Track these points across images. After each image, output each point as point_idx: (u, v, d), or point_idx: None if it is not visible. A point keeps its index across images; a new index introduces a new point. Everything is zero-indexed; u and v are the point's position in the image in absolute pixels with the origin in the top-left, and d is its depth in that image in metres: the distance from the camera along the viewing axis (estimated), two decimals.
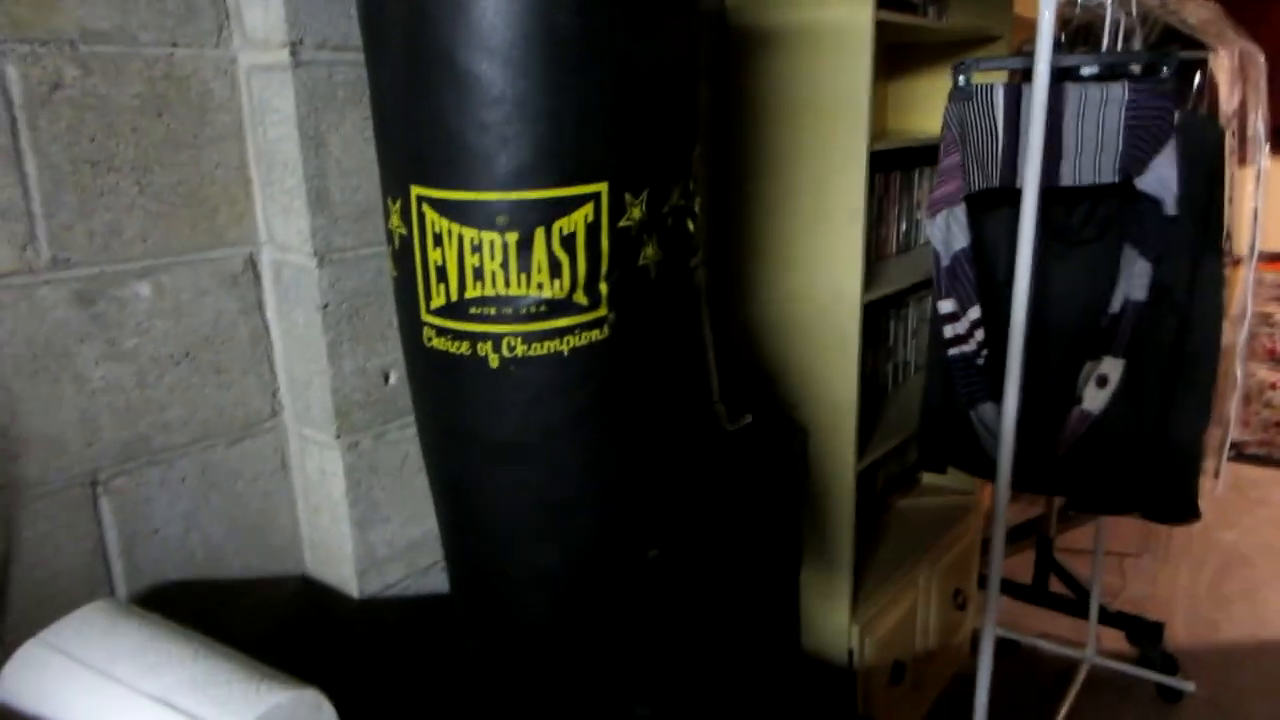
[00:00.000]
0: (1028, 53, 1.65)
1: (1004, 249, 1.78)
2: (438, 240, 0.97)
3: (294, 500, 1.33)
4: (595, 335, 0.99)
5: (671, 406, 1.11)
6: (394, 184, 1.01)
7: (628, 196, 0.97)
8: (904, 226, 2.38)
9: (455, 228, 0.96)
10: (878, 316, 2.30)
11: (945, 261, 1.62)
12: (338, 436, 1.23)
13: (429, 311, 1.01)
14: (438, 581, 1.40)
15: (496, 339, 0.98)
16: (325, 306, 1.18)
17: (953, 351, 1.70)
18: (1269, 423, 3.90)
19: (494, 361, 0.99)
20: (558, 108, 0.92)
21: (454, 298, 0.98)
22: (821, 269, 1.85)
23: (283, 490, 1.31)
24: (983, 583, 2.75)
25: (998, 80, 1.61)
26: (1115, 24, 1.88)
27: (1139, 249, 1.52)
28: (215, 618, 1.25)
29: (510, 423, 1.02)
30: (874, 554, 2.30)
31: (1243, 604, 2.91)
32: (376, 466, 1.29)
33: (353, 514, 1.27)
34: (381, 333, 1.26)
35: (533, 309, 0.96)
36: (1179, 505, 1.73)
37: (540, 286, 0.96)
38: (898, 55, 2.49)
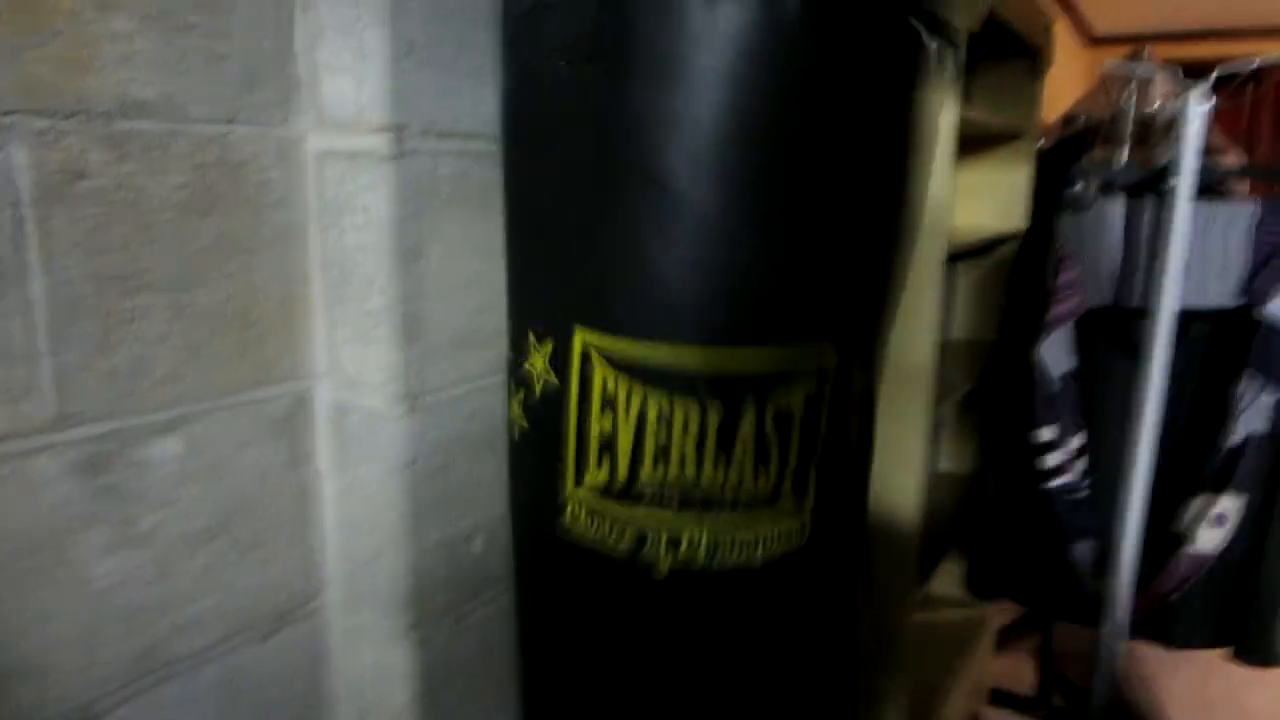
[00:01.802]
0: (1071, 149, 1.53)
1: (1097, 373, 1.64)
2: (609, 403, 0.72)
3: (334, 705, 1.02)
4: (792, 541, 0.75)
5: (845, 608, 0.87)
6: (545, 319, 0.75)
7: (856, 366, 0.75)
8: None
9: (639, 389, 0.71)
10: None
11: (1053, 385, 1.46)
12: (414, 626, 0.94)
13: (580, 485, 0.75)
14: None
15: (672, 538, 0.73)
16: (413, 463, 0.90)
17: (1051, 483, 1.54)
18: None
19: (663, 566, 0.73)
20: (794, 249, 0.70)
21: (621, 477, 0.73)
22: (891, 370, 1.67)
23: (320, 694, 1.00)
24: (994, 699, 2.59)
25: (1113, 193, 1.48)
26: (1156, 129, 1.81)
27: (1265, 379, 1.40)
28: None
29: (670, 649, 0.77)
30: (903, 685, 2.10)
31: (1226, 708, 2.85)
32: (454, 662, 1.00)
33: None
34: (471, 490, 0.98)
35: (729, 504, 0.72)
36: (1273, 646, 1.60)
37: (741, 475, 0.72)
38: None
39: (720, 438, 0.71)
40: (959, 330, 2.38)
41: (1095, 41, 3.95)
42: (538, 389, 0.77)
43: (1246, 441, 1.43)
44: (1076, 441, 1.50)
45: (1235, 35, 3.94)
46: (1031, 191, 1.94)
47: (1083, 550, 1.56)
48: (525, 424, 0.80)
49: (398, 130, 0.83)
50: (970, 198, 2.29)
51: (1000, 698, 2.67)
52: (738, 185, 0.67)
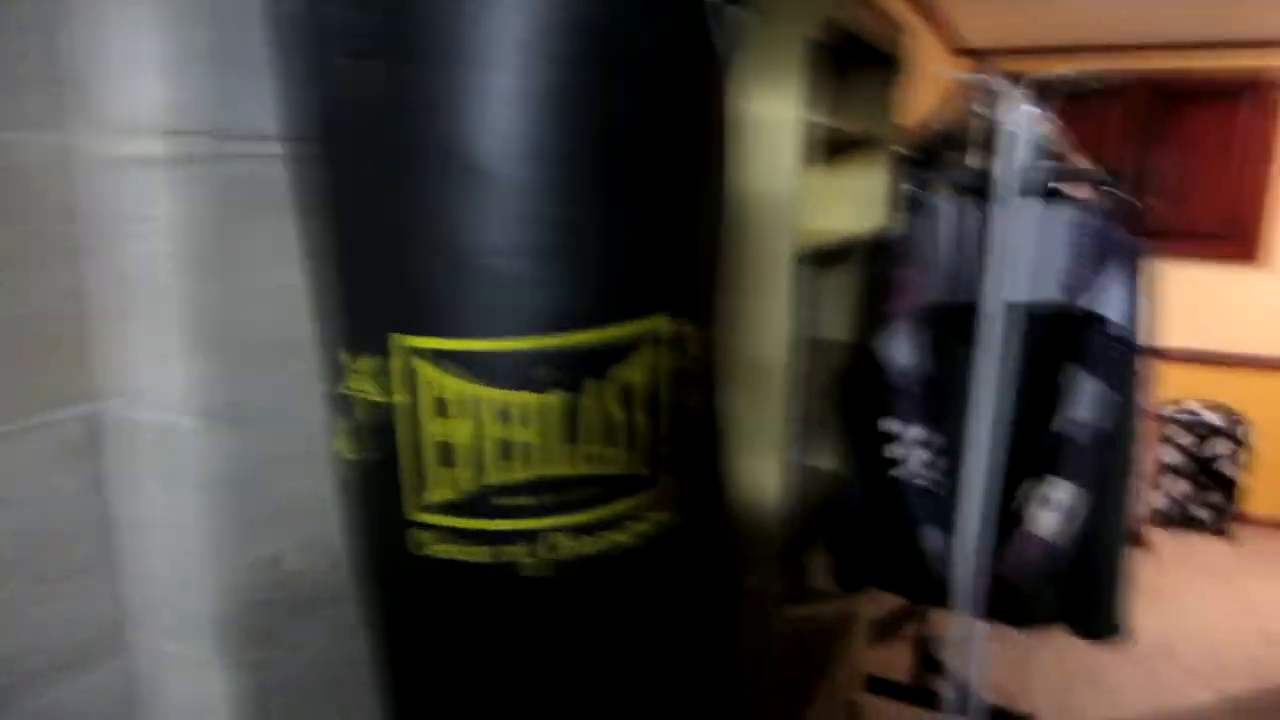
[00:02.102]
0: (936, 148, 1.59)
1: (936, 365, 1.70)
2: (443, 408, 0.69)
3: None
4: (663, 516, 0.74)
5: (723, 585, 0.87)
6: (359, 332, 0.72)
7: (689, 329, 0.74)
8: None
9: (472, 389, 0.68)
10: None
11: (894, 379, 1.51)
12: (224, 652, 0.90)
13: (423, 509, 0.72)
14: None
15: (533, 537, 0.70)
16: (213, 481, 0.87)
17: (896, 473, 1.58)
18: None
19: (528, 568, 0.71)
20: (616, 222, 0.68)
21: (467, 487, 0.70)
22: (746, 374, 1.69)
23: None
24: (871, 686, 2.66)
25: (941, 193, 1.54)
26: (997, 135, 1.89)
27: (1088, 368, 1.47)
28: None
29: (552, 644, 0.75)
30: (777, 678, 2.13)
31: (1088, 686, 2.99)
32: (276, 686, 0.96)
33: None
34: (282, 508, 0.95)
35: (585, 492, 0.71)
36: (1110, 623, 1.69)
37: (591, 460, 0.70)
38: None
39: (564, 426, 0.69)
40: (828, 330, 2.44)
41: (966, 54, 4.10)
42: (360, 411, 0.73)
43: (1072, 428, 1.50)
44: (920, 432, 1.55)
45: (1101, 50, 4.16)
46: (889, 195, 2.00)
47: (933, 536, 1.61)
48: (354, 453, 0.76)
49: (181, 135, 0.80)
50: (834, 202, 2.35)
51: (877, 685, 2.74)
52: (553, 161, 0.65)
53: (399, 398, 0.70)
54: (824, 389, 2.14)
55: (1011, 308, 1.63)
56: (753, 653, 1.78)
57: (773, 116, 1.58)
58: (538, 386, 0.68)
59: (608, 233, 0.68)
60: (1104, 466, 1.62)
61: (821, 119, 1.80)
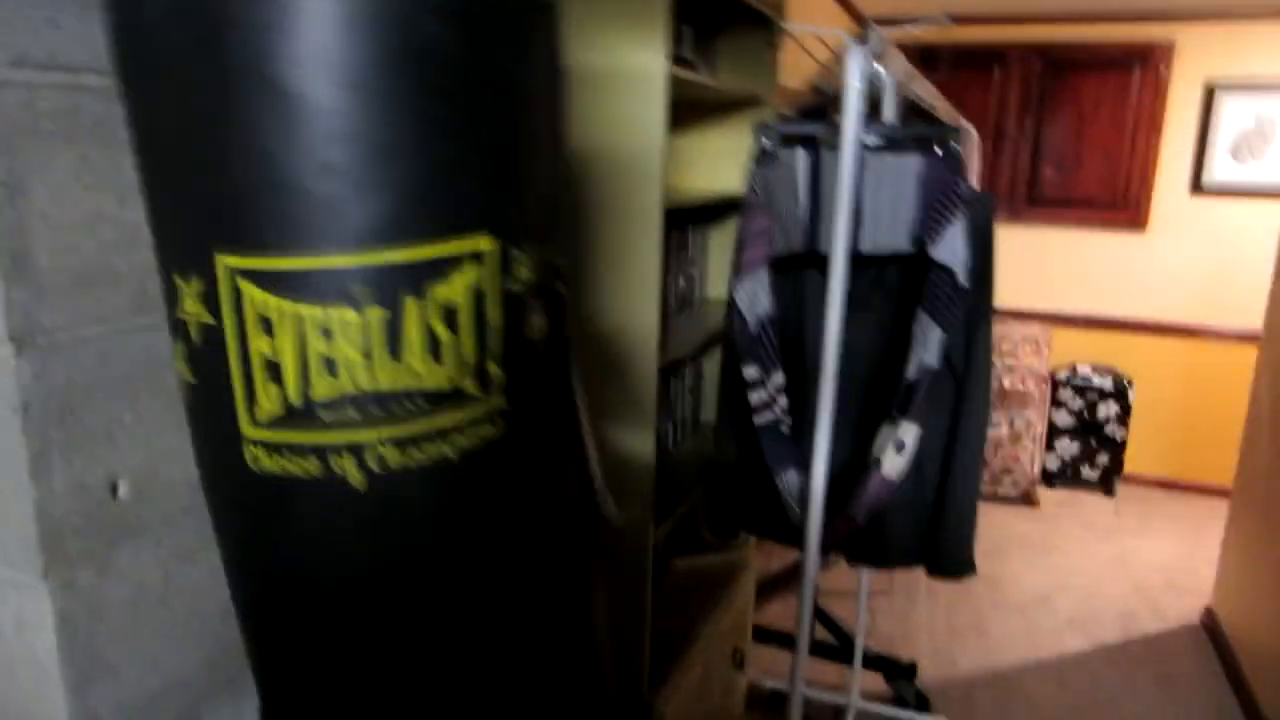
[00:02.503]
0: (816, 111, 1.65)
1: (794, 313, 1.77)
2: (267, 326, 0.71)
3: None
4: (489, 432, 0.78)
5: (565, 504, 0.92)
6: (186, 255, 0.73)
7: (514, 252, 0.77)
8: (681, 283, 2.34)
9: (292, 307, 0.70)
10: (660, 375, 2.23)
11: (751, 327, 1.57)
12: (44, 575, 0.93)
13: (254, 424, 0.74)
14: None
15: (359, 450, 0.73)
16: (26, 407, 0.88)
17: (757, 419, 1.65)
18: None
19: (356, 479, 0.74)
20: (426, 140, 0.70)
21: (295, 401, 0.73)
22: (619, 328, 1.74)
23: None
24: (756, 635, 2.76)
25: (797, 145, 1.60)
26: (877, 96, 1.96)
27: (934, 317, 1.55)
28: None
29: (380, 555, 0.78)
30: (660, 621, 2.21)
31: (973, 636, 3.15)
32: (100, 607, 0.99)
33: (67, 675, 0.96)
34: (108, 434, 0.97)
35: (408, 406, 0.73)
36: (962, 561, 1.79)
37: (416, 375, 0.73)
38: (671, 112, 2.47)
39: (386, 341, 0.72)
40: (714, 289, 2.50)
41: (864, 21, 4.18)
42: (194, 333, 0.76)
43: (919, 373, 1.59)
44: (777, 379, 1.62)
45: (998, 20, 4.28)
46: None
47: (790, 480, 1.69)
48: (191, 375, 0.78)
49: None
50: (715, 161, 2.41)
51: (764, 635, 2.85)
52: (363, 84, 0.67)
53: (226, 318, 0.73)
54: (705, 341, 2.21)
55: (863, 257, 1.70)
56: (625, 591, 1.85)
57: (637, 69, 1.62)
58: (357, 303, 0.70)
59: (420, 153, 0.70)
60: (951, 410, 1.71)
61: (694, 76, 1.84)
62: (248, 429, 0.75)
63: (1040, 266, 4.57)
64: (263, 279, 0.71)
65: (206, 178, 0.71)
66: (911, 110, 2.17)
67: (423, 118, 0.70)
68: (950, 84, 4.16)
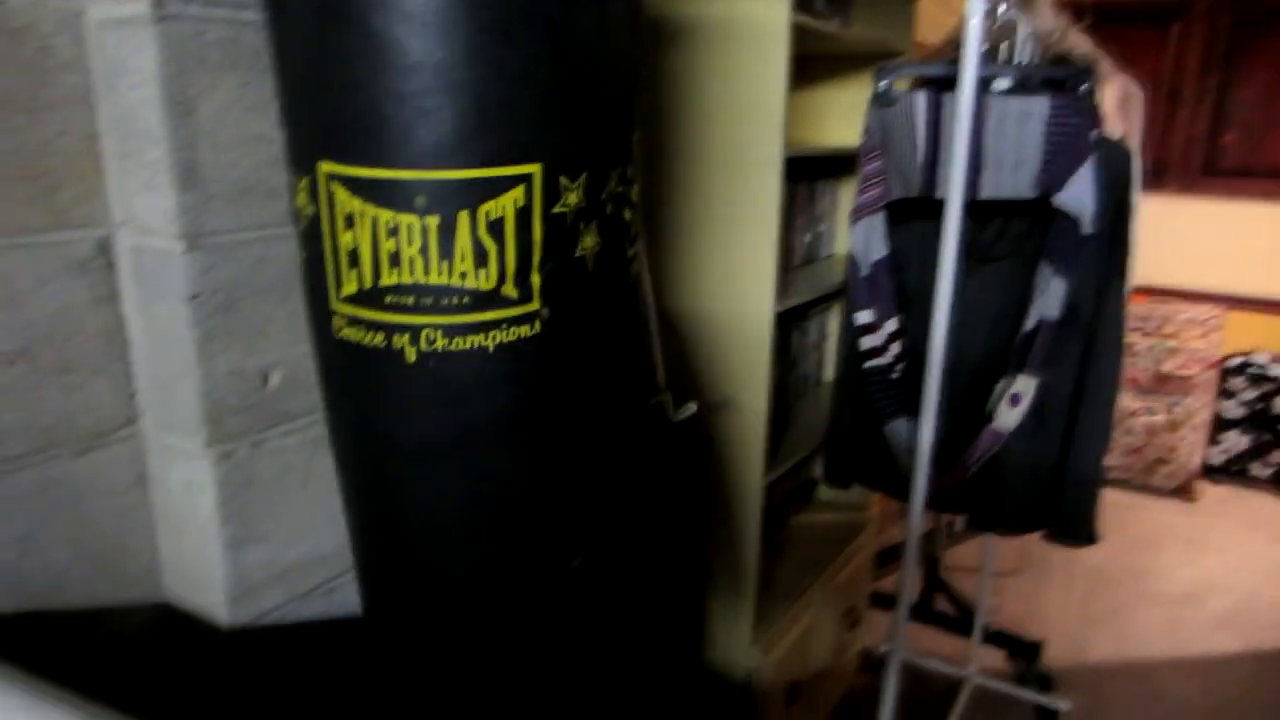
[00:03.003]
0: (950, 61, 1.63)
1: (916, 261, 1.77)
2: (350, 222, 0.86)
3: (153, 519, 1.16)
4: (525, 331, 0.89)
5: (610, 404, 1.01)
6: (301, 159, 0.89)
7: (563, 180, 0.88)
8: (808, 239, 2.35)
9: (369, 209, 0.85)
10: (782, 329, 2.26)
11: (865, 270, 1.59)
12: (208, 445, 1.08)
13: (340, 299, 0.90)
14: (321, 607, 1.26)
15: (414, 331, 0.87)
16: (195, 298, 1.03)
17: (868, 364, 1.67)
18: (1129, 449, 4.05)
19: (411, 355, 0.88)
20: (483, 78, 0.82)
21: (367, 284, 0.87)
22: (734, 275, 1.79)
23: (140, 508, 1.15)
24: (874, 600, 2.75)
25: (919, 88, 1.59)
26: (1016, 44, 1.90)
27: (1054, 267, 1.52)
28: (56, 655, 1.07)
29: (429, 422, 0.92)
30: (772, 572, 2.25)
31: (1110, 624, 3.01)
32: (253, 479, 1.14)
33: (224, 533, 1.11)
34: (262, 329, 1.11)
35: (456, 300, 0.86)
36: (1081, 528, 1.74)
37: (464, 276, 0.86)
38: (800, 66, 2.48)
39: (440, 245, 0.85)
40: (841, 245, 2.50)
41: None
42: (304, 220, 0.91)
43: (1039, 326, 1.56)
44: (891, 325, 1.62)
45: None
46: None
47: (899, 428, 1.69)
48: (303, 253, 0.94)
49: None
50: (850, 116, 2.40)
51: (883, 601, 2.83)
52: (433, 29, 0.79)
53: (323, 211, 0.87)
54: (826, 299, 2.21)
55: (991, 206, 1.67)
56: (734, 537, 1.91)
57: (759, 18, 1.65)
58: (419, 211, 0.84)
59: (477, 88, 0.82)
60: (1076, 367, 1.66)
61: (822, 26, 1.86)
62: (334, 303, 0.91)
63: (1215, 243, 4.24)
64: (348, 183, 0.85)
65: (314, 98, 0.86)
66: (1058, 64, 2.09)
67: (482, 57, 0.82)
68: (1119, 42, 3.90)
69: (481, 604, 1.01)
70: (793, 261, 2.31)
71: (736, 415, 1.85)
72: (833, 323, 2.51)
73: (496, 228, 0.85)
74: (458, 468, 0.93)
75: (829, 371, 2.55)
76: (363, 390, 0.93)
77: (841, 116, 2.40)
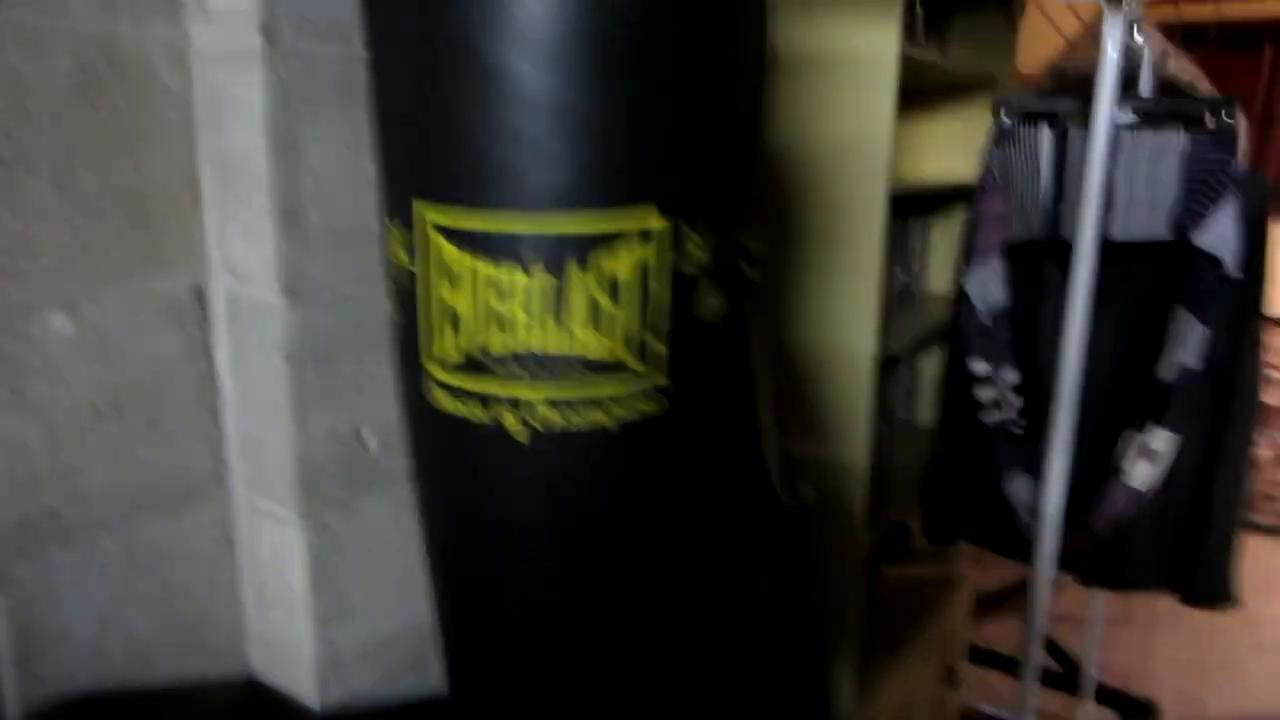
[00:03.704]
0: (1076, 93, 1.53)
1: (1029, 306, 1.64)
2: (451, 277, 0.76)
3: (239, 586, 1.08)
4: (648, 406, 0.78)
5: (732, 487, 0.91)
6: (397, 204, 0.79)
7: (689, 232, 0.77)
8: (900, 277, 2.24)
9: (475, 263, 0.74)
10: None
11: (983, 318, 1.47)
12: (300, 511, 1.00)
13: (438, 366, 0.79)
14: (412, 682, 1.16)
15: (523, 405, 0.76)
16: (293, 352, 0.96)
17: (985, 418, 1.54)
18: None
19: (518, 433, 0.77)
20: (607, 117, 0.72)
21: (469, 350, 0.77)
22: (835, 318, 1.69)
23: (226, 574, 1.07)
24: (973, 656, 2.59)
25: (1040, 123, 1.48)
26: (1141, 75, 1.78)
27: (1197, 313, 1.39)
28: None
29: (534, 506, 0.81)
30: (868, 631, 2.12)
31: (1225, 677, 2.81)
32: (346, 547, 1.05)
33: (315, 607, 1.03)
34: (360, 386, 1.03)
35: (571, 370, 0.76)
36: (1221, 588, 1.59)
37: (579, 342, 0.75)
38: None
39: (553, 306, 0.74)
40: (935, 283, 2.38)
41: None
42: (398, 274, 0.81)
43: (1178, 375, 1.42)
44: (1010, 376, 1.50)
45: None
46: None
47: (1019, 487, 1.56)
48: (395, 312, 0.84)
49: (271, 31, 0.88)
50: (942, 149, 2.29)
51: (980, 655, 2.67)
52: (555, 56, 0.70)
53: (419, 265, 0.78)
54: (924, 339, 2.10)
55: (1127, 250, 1.55)
56: (834, 598, 1.78)
57: (866, 50, 1.56)
58: (527, 266, 0.73)
59: (598, 126, 0.72)
60: (1213, 418, 1.53)
61: (928, 57, 1.76)
62: (432, 368, 0.80)
63: None
64: (450, 234, 0.75)
65: (416, 137, 0.76)
66: (1167, 91, 1.97)
67: (605, 91, 0.71)
68: (1210, 65, 3.74)
69: (575, 693, 0.90)
70: (888, 302, 2.20)
71: (836, 473, 1.73)
72: (927, 366, 2.39)
73: (615, 286, 0.75)
74: (560, 554, 0.82)
75: (921, 417, 2.42)
76: (460, 467, 0.82)
77: (936, 150, 2.29)
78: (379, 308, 1.03)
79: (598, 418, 0.77)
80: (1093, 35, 2.23)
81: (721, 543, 0.93)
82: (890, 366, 2.18)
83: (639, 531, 0.84)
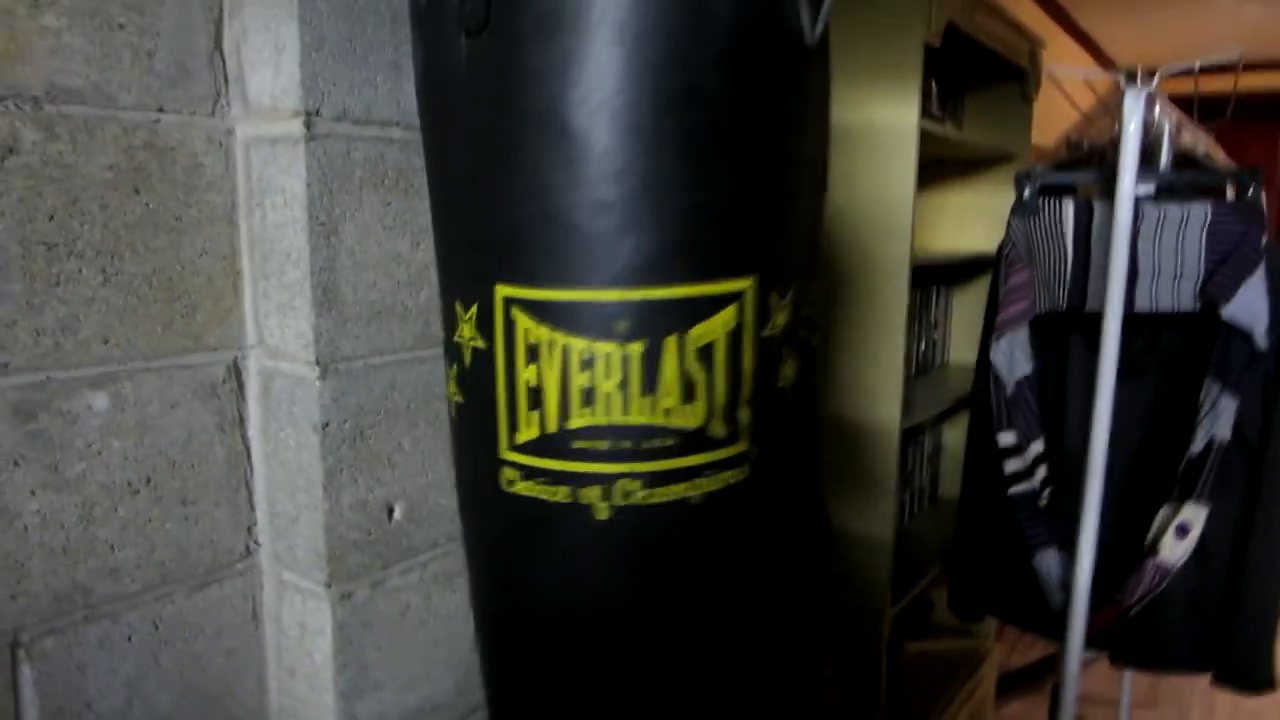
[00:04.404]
0: (1096, 166, 1.55)
1: (1055, 377, 1.64)
2: (533, 354, 0.75)
3: (264, 661, 1.08)
4: (732, 476, 0.77)
5: (802, 553, 0.90)
6: (468, 284, 0.79)
7: (774, 297, 0.77)
8: (922, 346, 2.25)
9: (560, 337, 0.74)
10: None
11: (1009, 390, 1.47)
12: (328, 584, 1.00)
13: (512, 448, 0.78)
14: None
15: (607, 482, 0.75)
16: (326, 425, 0.97)
17: (1012, 490, 1.53)
18: None
19: (601, 512, 0.76)
20: (694, 183, 0.72)
21: (551, 429, 0.76)
22: (859, 388, 1.69)
23: (251, 647, 1.07)
24: None
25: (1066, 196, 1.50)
26: (1162, 147, 1.80)
27: (1225, 385, 1.39)
28: None
29: (611, 586, 0.79)
30: (891, 707, 2.07)
31: None
32: (372, 621, 1.05)
33: (339, 682, 1.02)
34: (389, 458, 1.04)
35: (659, 443, 0.74)
36: (1257, 672, 1.55)
37: (669, 413, 0.74)
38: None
39: (643, 377, 0.74)
40: (956, 353, 2.38)
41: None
42: (468, 357, 0.81)
43: (1209, 448, 1.41)
44: (1036, 448, 1.49)
45: (1257, 67, 3.88)
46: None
47: (1049, 561, 1.54)
48: (460, 396, 0.84)
49: (309, 116, 0.92)
50: (962, 220, 2.32)
51: None
52: (639, 125, 0.70)
53: (498, 343, 0.77)
54: (947, 409, 2.09)
55: (1155, 321, 1.55)
56: (857, 673, 1.75)
57: (888, 124, 1.59)
58: (620, 338, 0.73)
59: (687, 194, 0.72)
60: (1246, 492, 1.51)
61: (946, 131, 1.79)
62: (506, 451, 0.79)
63: None
64: (534, 308, 0.74)
65: (492, 212, 0.76)
66: (1183, 163, 1.99)
67: (691, 159, 0.72)
68: (1225, 137, 3.77)
69: None
70: (909, 372, 2.20)
71: (860, 544, 1.72)
72: (949, 436, 2.37)
73: (706, 354, 0.74)
74: (645, 638, 0.81)
75: (944, 486, 2.40)
76: (534, 552, 0.81)
77: (954, 221, 2.32)
78: (408, 380, 1.05)
79: (682, 490, 0.76)
80: (1106, 108, 2.27)
81: (788, 610, 0.91)
82: (913, 435, 2.17)
83: (716, 604, 0.82)
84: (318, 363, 0.96)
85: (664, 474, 0.75)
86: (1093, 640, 1.67)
